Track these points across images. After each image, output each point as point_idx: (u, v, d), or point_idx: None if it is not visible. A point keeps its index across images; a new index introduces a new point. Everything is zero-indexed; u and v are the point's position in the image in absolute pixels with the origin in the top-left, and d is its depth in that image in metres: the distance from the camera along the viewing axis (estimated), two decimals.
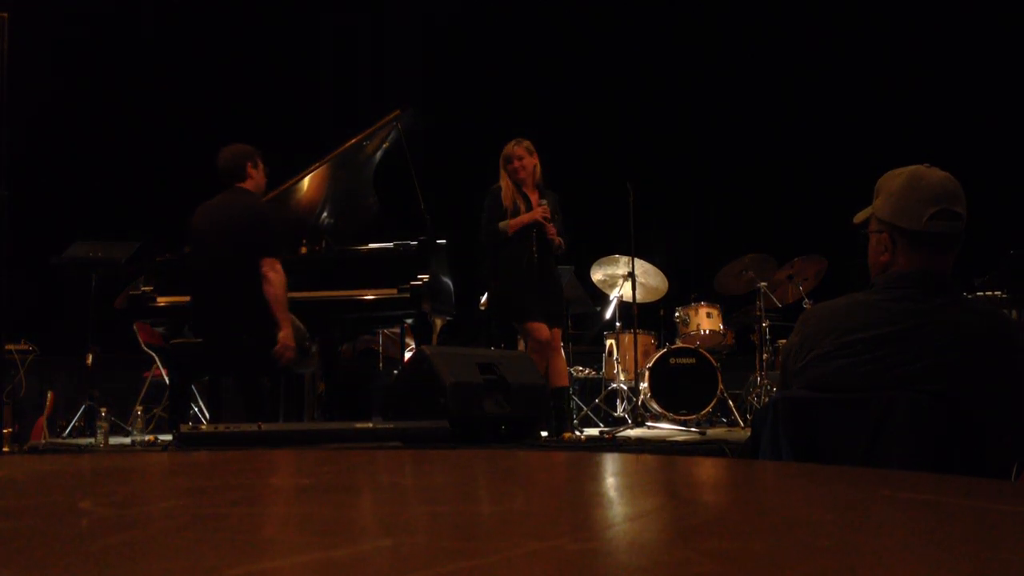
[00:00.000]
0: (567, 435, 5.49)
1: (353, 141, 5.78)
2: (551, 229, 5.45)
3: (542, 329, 5.46)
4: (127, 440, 5.77)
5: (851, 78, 9.23)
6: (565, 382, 5.76)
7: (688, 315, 7.18)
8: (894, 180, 2.10)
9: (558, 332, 5.66)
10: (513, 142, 5.60)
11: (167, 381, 6.22)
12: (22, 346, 6.33)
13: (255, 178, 4.92)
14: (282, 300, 4.65)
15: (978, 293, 6.35)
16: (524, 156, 5.54)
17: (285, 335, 4.63)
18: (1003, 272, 6.48)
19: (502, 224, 5.47)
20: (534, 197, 5.58)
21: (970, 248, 2.10)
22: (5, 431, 5.19)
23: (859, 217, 2.21)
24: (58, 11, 8.12)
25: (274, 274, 4.61)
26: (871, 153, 8.16)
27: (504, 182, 5.58)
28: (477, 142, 6.12)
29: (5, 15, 4.29)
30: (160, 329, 5.97)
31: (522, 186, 5.58)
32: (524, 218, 5.46)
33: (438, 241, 5.72)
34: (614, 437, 5.58)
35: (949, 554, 0.61)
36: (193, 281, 4.96)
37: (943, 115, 8.67)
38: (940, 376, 1.91)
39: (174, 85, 8.85)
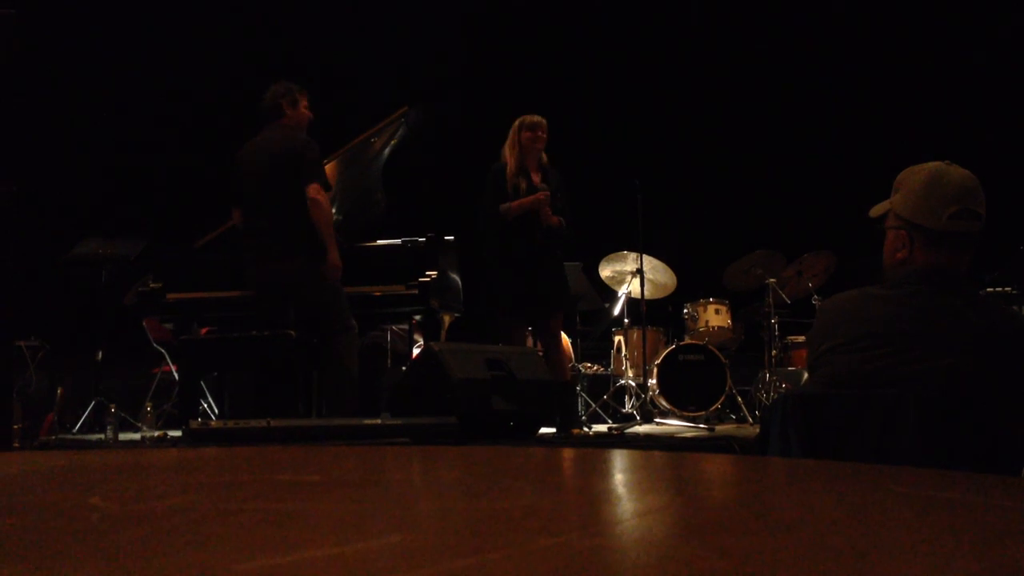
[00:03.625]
0: (576, 431, 5.49)
1: (361, 137, 5.79)
2: (548, 213, 5.41)
3: (520, 332, 5.48)
4: (137, 436, 5.79)
5: (860, 73, 9.20)
6: (565, 376, 5.71)
7: (697, 311, 7.17)
8: (915, 176, 2.09)
9: (558, 321, 5.63)
10: (528, 115, 5.56)
11: (176, 377, 6.24)
12: (32, 342, 6.36)
13: (292, 115, 5.12)
14: (329, 223, 4.91)
15: (987, 289, 6.32)
16: (545, 128, 5.52)
17: (333, 256, 4.89)
18: (1013, 268, 6.46)
19: (503, 207, 5.43)
20: (536, 177, 5.54)
21: (980, 243, 2.09)
22: (15, 427, 5.21)
23: (876, 211, 2.19)
24: (63, 6, 8.14)
25: (321, 197, 4.87)
26: (880, 149, 8.14)
27: (509, 158, 5.54)
28: (486, 139, 6.10)
29: (12, 12, 4.30)
30: (169, 325, 5.99)
31: (526, 161, 5.53)
32: (525, 201, 5.42)
33: (446, 238, 5.72)
34: (622, 433, 5.58)
35: (960, 551, 0.61)
36: (243, 213, 5.17)
37: (952, 110, 8.63)
38: (950, 375, 1.91)
39: (182, 81, 8.86)
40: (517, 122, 5.57)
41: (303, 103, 5.15)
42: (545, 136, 5.53)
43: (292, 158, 4.92)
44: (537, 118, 5.53)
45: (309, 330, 4.92)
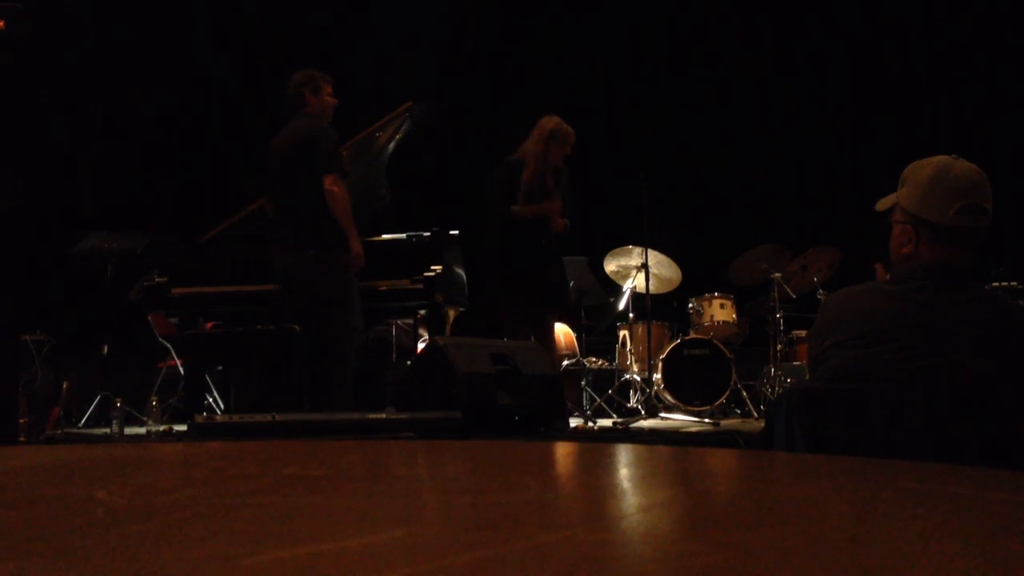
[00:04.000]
0: (581, 425, 5.49)
1: (366, 132, 5.79)
2: (559, 222, 5.40)
3: (522, 326, 5.48)
4: (142, 430, 5.80)
5: (866, 67, 9.18)
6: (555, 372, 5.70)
7: (702, 306, 7.16)
8: (921, 171, 2.08)
9: (552, 323, 5.61)
10: (561, 120, 5.51)
11: (181, 371, 6.26)
12: (38, 336, 6.37)
13: (315, 103, 5.11)
14: (347, 212, 4.87)
15: (994, 284, 6.31)
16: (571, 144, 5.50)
17: (355, 246, 4.87)
18: (1019, 263, 6.44)
19: (515, 209, 5.41)
20: (550, 181, 5.51)
21: (986, 238, 2.08)
22: (21, 421, 5.22)
23: (882, 204, 2.19)
24: (68, 2, 8.14)
25: (337, 188, 4.84)
26: (886, 142, 8.12)
27: (530, 157, 5.49)
28: (490, 133, 6.10)
29: (19, 6, 4.30)
30: (174, 320, 6.00)
31: (546, 168, 5.48)
32: (539, 210, 5.41)
33: (451, 232, 5.72)
34: (627, 428, 5.58)
35: (966, 547, 0.61)
36: (273, 204, 5.27)
37: (959, 102, 8.61)
38: (955, 370, 1.90)
39: (188, 75, 8.86)
40: (550, 128, 5.48)
41: (326, 90, 5.14)
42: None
43: (308, 148, 4.92)
44: (569, 133, 5.49)
45: (316, 324, 4.92)
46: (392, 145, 6.00)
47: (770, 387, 6.73)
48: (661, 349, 6.87)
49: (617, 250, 7.06)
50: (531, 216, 5.39)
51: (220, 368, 6.15)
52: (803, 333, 7.18)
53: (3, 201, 4.17)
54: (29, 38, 4.38)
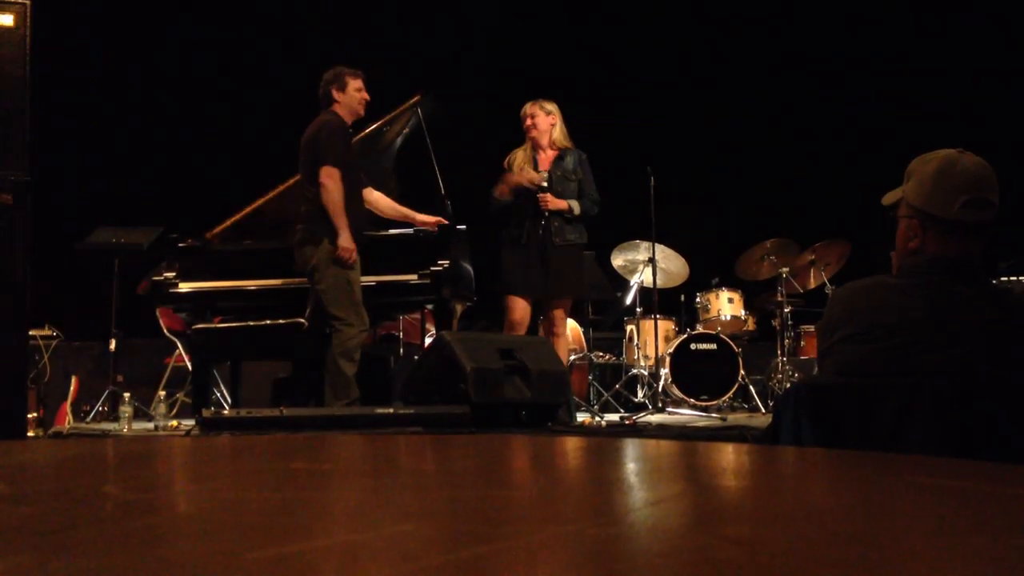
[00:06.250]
0: (587, 421, 5.48)
1: (374, 127, 5.78)
2: (545, 199, 5.35)
3: (516, 308, 5.43)
4: (150, 425, 5.81)
5: (875, 60, 9.14)
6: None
7: (709, 300, 7.14)
8: (926, 165, 2.07)
9: (560, 313, 5.58)
10: (530, 102, 5.57)
11: (189, 366, 6.27)
12: (46, 331, 6.38)
13: (342, 101, 5.08)
14: (338, 206, 4.82)
15: (1002, 278, 6.29)
16: (537, 114, 5.48)
17: (342, 239, 4.80)
18: None
19: (496, 190, 5.44)
20: (544, 161, 5.50)
21: (994, 231, 2.07)
22: (30, 416, 5.24)
23: (888, 199, 2.18)
24: None
25: (329, 181, 4.81)
26: (895, 136, 8.09)
27: (525, 145, 5.56)
28: (498, 127, 6.10)
29: (28, 1, 4.30)
30: (182, 315, 6.01)
31: (536, 147, 5.52)
32: (511, 180, 5.40)
33: (458, 227, 5.71)
34: (634, 423, 5.57)
35: (974, 540, 0.61)
36: None
37: (965, 95, 8.57)
38: (962, 365, 1.90)
39: (196, 71, 8.87)
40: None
41: (353, 85, 5.09)
42: (547, 118, 5.50)
43: (308, 144, 4.96)
44: (527, 108, 5.54)
45: (321, 319, 4.93)
46: (400, 139, 6.00)
47: (778, 382, 6.71)
48: (668, 344, 6.86)
49: (624, 244, 7.05)
50: (511, 193, 5.39)
51: (228, 363, 6.16)
52: (811, 327, 7.16)
53: (10, 196, 4.18)
54: (38, 33, 4.39)
